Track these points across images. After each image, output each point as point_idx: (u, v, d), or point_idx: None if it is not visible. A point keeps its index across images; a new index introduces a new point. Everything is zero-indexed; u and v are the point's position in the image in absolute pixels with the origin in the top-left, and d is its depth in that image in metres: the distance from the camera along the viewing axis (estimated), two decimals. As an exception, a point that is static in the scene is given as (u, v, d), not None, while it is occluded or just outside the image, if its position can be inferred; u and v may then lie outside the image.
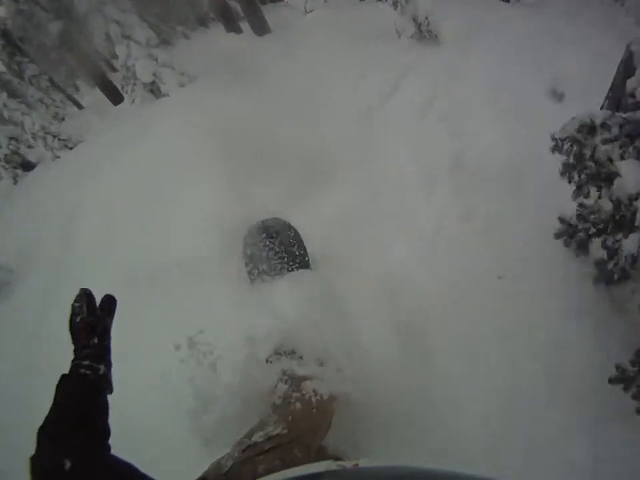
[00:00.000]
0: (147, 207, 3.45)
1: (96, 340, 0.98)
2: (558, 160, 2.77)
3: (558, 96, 3.55)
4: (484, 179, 2.93)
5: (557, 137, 2.00)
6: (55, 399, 0.92)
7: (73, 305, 0.99)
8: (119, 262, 3.20)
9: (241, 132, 3.78)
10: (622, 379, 1.70)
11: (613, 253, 1.80)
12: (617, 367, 1.72)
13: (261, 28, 6.58)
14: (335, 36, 5.36)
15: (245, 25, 6.86)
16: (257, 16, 6.52)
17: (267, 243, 2.28)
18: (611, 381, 1.73)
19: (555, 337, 2.16)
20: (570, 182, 1.97)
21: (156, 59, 5.67)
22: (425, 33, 4.62)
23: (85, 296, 1.00)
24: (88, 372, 0.94)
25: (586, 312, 2.15)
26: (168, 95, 5.46)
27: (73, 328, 0.98)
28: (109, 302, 1.06)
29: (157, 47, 6.02)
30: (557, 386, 2.02)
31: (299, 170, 3.38)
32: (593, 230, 1.89)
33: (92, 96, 8.35)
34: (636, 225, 1.60)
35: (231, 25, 7.06)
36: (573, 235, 2.00)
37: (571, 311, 2.19)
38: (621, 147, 1.71)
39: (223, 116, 4.06)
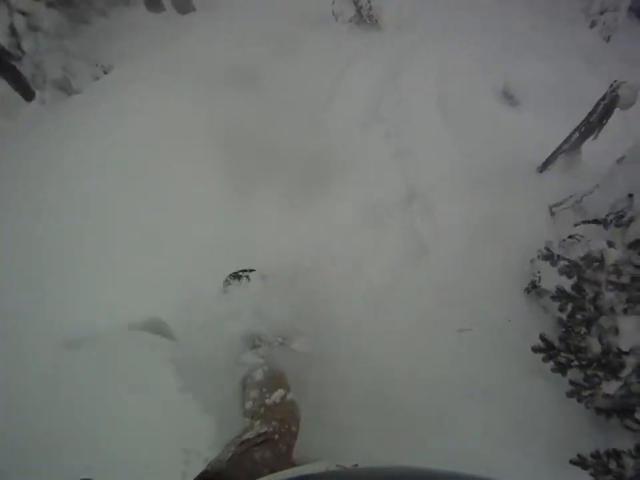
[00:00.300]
0: (95, 245, 2.72)
1: None
2: (522, 188, 2.59)
3: (511, 99, 3.32)
4: (440, 209, 2.70)
5: (553, 250, 1.90)
6: None
7: None
8: (61, 318, 2.49)
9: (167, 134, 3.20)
10: (581, 463, 1.68)
11: (591, 386, 1.69)
12: (579, 455, 1.70)
13: (184, 5, 5.95)
14: (267, 17, 4.86)
15: (168, 3, 6.19)
16: (180, -9, 5.88)
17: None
18: (570, 461, 1.71)
19: (519, 395, 2.07)
20: (561, 311, 1.80)
21: (67, 50, 5.02)
22: (365, 17, 4.23)
23: None
24: None
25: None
26: (80, 92, 4.81)
27: None
28: None
29: (68, 37, 5.31)
30: (526, 442, 1.95)
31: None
32: (575, 362, 1.74)
33: (3, 86, 7.45)
34: (619, 376, 1.55)
35: (152, 2, 6.38)
36: (553, 356, 1.82)
37: (535, 370, 2.05)
38: (627, 301, 1.56)
39: (150, 120, 3.49)
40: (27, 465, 1.80)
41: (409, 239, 2.62)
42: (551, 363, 1.83)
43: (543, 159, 2.70)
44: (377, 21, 4.20)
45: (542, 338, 1.84)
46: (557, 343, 1.80)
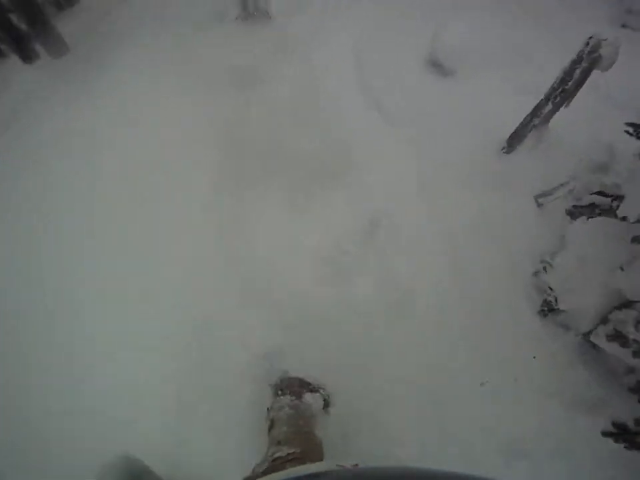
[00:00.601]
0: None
1: None
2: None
3: (441, 68, 2.84)
4: (408, 232, 2.22)
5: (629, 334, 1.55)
6: None
7: None
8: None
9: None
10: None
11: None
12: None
13: (56, 49, 5.17)
14: (148, 38, 4.23)
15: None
16: (50, 34, 5.06)
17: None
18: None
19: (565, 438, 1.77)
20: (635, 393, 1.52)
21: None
22: (252, 10, 3.64)
23: None
24: None
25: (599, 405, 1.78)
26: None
27: None
28: None
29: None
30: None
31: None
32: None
33: None
34: None
35: (24, 52, 5.57)
36: (629, 440, 1.46)
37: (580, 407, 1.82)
38: None
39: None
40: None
41: (385, 281, 2.15)
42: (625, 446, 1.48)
43: (501, 136, 2.26)
44: (267, 11, 3.63)
45: (614, 424, 1.50)
46: (630, 424, 1.45)
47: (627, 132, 1.77)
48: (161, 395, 1.90)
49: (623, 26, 4.51)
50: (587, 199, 1.82)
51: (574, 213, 1.90)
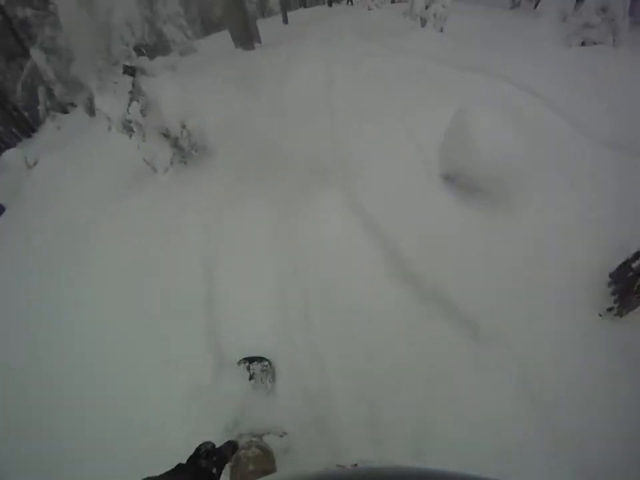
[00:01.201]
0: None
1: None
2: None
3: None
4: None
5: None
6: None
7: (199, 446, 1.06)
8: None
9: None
10: None
11: None
12: None
13: None
14: (71, 194, 3.54)
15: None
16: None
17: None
18: None
19: None
20: None
21: None
22: (189, 150, 3.01)
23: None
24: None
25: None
26: None
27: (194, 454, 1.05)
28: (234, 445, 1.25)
29: None
30: None
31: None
32: None
33: None
34: None
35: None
36: None
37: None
38: None
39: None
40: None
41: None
42: None
43: (586, 283, 1.80)
44: (204, 148, 3.03)
45: None
46: None
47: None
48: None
49: (583, 44, 4.26)
50: None
51: None
